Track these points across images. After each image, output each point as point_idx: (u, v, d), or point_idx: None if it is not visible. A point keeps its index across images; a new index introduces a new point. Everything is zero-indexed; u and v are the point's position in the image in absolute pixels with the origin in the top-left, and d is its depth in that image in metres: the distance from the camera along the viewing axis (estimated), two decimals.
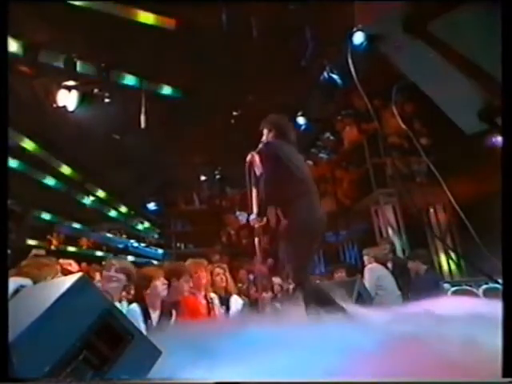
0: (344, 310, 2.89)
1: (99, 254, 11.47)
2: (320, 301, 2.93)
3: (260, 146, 3.43)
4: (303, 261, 3.18)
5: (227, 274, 4.16)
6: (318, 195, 3.36)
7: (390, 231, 6.51)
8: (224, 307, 3.82)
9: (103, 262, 3.28)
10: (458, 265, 6.28)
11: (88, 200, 10.20)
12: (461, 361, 1.66)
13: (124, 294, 3.28)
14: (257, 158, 3.35)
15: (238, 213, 9.83)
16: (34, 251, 5.09)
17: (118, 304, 2.93)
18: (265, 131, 3.50)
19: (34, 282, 2.65)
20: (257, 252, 3.63)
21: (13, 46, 5.36)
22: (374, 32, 5.19)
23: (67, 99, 6.48)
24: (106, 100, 6.79)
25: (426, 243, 6.36)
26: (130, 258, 10.53)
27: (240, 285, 5.02)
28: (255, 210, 3.32)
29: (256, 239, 3.57)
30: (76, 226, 11.16)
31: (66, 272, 3.29)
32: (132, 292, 3.29)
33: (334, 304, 2.93)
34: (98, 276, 3.47)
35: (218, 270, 4.15)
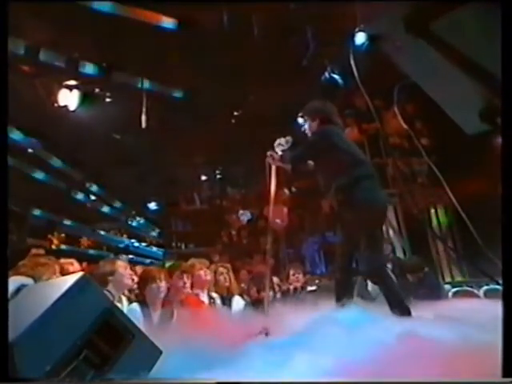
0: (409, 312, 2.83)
1: (100, 253, 11.47)
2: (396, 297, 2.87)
3: (310, 136, 3.31)
4: (377, 245, 3.05)
5: (230, 273, 4.15)
6: (378, 179, 3.26)
7: (391, 232, 6.50)
8: (226, 307, 3.82)
9: (119, 261, 3.26)
10: (458, 266, 6.27)
11: (89, 199, 10.20)
12: (461, 361, 1.66)
13: (126, 292, 3.29)
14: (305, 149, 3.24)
15: (241, 212, 9.80)
16: (33, 250, 5.10)
17: (118, 303, 2.93)
18: (307, 120, 3.37)
19: (32, 282, 2.65)
20: (263, 251, 3.57)
21: (14, 45, 5.35)
22: (375, 32, 5.19)
23: (68, 99, 6.48)
24: (108, 100, 6.79)
25: (427, 244, 6.35)
26: (131, 257, 10.53)
27: (242, 285, 5.01)
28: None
29: (268, 238, 3.45)
30: (77, 225, 11.16)
31: (67, 272, 3.29)
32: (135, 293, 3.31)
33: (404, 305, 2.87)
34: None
35: (221, 269, 4.15)
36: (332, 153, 3.07)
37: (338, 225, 3.24)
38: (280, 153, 3.26)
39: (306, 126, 3.36)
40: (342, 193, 3.04)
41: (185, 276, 3.44)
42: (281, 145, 3.31)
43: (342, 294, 3.02)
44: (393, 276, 3.14)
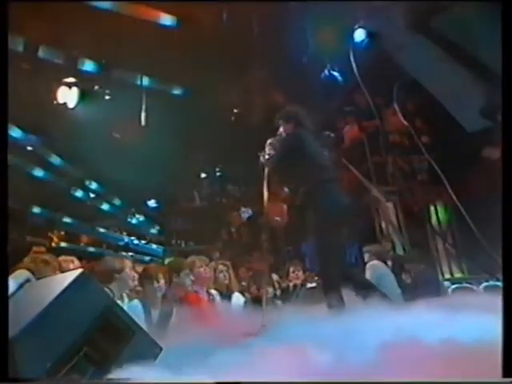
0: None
1: (100, 251, 11.46)
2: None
3: (282, 137, 3.45)
4: (333, 252, 3.21)
5: (230, 271, 4.17)
6: (342, 183, 3.40)
7: (391, 229, 6.50)
8: (226, 304, 3.82)
9: (127, 261, 3.28)
10: (458, 262, 6.27)
11: (88, 197, 10.19)
12: (461, 360, 1.65)
13: (127, 291, 3.30)
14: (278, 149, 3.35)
15: (242, 209, 9.79)
16: (34, 248, 5.10)
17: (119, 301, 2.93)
18: (281, 123, 3.52)
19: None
20: (262, 248, 3.65)
21: (13, 42, 5.34)
22: (375, 29, 5.18)
23: (68, 96, 6.46)
24: (107, 97, 6.78)
25: (427, 241, 6.35)
26: (131, 254, 10.53)
27: (243, 283, 5.02)
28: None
29: (263, 236, 3.57)
30: (76, 223, 11.15)
31: (67, 269, 3.29)
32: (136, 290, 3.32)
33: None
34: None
35: (221, 266, 4.16)
36: (300, 156, 3.24)
37: (307, 227, 3.36)
38: (270, 153, 3.39)
39: (281, 129, 3.50)
40: (308, 196, 3.22)
41: (184, 272, 3.45)
42: (271, 144, 3.38)
43: (328, 295, 3.09)
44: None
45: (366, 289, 3.08)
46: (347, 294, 3.20)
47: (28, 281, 2.43)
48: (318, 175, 3.20)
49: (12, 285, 2.25)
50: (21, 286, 2.24)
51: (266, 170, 3.46)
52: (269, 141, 3.43)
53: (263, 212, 3.72)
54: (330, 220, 3.11)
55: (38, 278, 2.56)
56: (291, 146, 3.32)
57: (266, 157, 3.39)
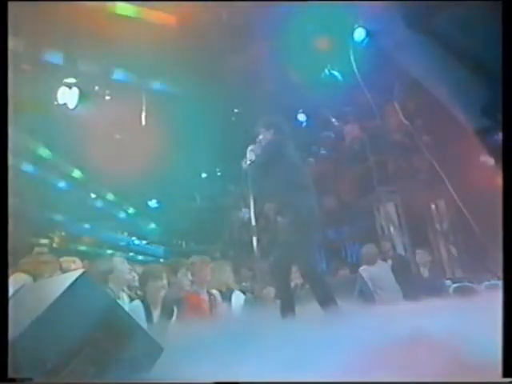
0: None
1: (100, 251, 11.46)
2: (323, 300, 3.06)
3: (262, 144, 3.54)
4: (306, 257, 3.28)
5: (229, 270, 4.18)
6: (315, 192, 3.46)
7: (392, 228, 6.51)
8: (226, 303, 3.83)
9: (115, 258, 3.31)
10: (460, 261, 6.27)
11: (89, 198, 10.20)
12: (461, 361, 1.65)
13: (127, 290, 3.30)
14: (258, 156, 3.44)
15: (244, 209, 9.81)
16: (36, 249, 5.11)
17: (119, 301, 2.94)
18: (262, 131, 3.62)
19: (33, 280, 2.67)
20: (254, 250, 3.72)
21: (13, 43, 5.34)
22: (375, 28, 5.18)
23: (68, 97, 6.46)
24: (107, 97, 6.78)
25: (428, 240, 6.36)
26: (132, 255, 10.55)
27: (243, 283, 5.02)
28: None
29: (254, 238, 3.66)
30: (77, 223, 11.16)
31: (68, 270, 3.30)
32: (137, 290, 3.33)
33: (335, 304, 3.06)
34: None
35: (221, 266, 4.17)
36: (278, 162, 3.34)
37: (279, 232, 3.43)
38: (251, 159, 3.47)
39: (261, 136, 3.60)
40: (282, 202, 3.36)
41: (183, 272, 3.46)
42: (252, 151, 3.49)
43: (285, 307, 3.15)
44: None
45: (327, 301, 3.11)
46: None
47: (23, 286, 2.43)
48: (294, 182, 3.30)
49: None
50: (18, 291, 2.24)
51: (248, 174, 3.58)
52: (250, 147, 3.53)
53: (264, 212, 3.76)
54: (299, 226, 3.20)
55: (34, 279, 2.57)
56: (271, 152, 3.43)
57: (248, 162, 3.47)
